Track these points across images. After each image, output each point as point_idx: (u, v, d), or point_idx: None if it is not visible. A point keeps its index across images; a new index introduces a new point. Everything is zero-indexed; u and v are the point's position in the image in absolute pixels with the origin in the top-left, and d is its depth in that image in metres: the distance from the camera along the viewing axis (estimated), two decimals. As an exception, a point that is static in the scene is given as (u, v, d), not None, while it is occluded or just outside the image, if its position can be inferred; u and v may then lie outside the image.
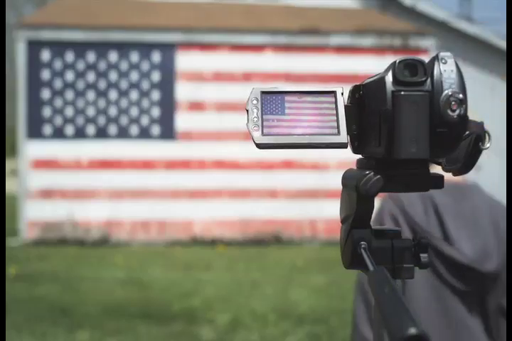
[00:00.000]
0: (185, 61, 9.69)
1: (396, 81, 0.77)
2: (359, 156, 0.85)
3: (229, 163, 9.64)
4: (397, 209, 1.79)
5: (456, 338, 1.76)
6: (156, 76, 9.61)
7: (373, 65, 9.54)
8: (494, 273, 1.75)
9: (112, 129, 9.52)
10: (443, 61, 0.77)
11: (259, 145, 0.80)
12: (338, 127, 0.81)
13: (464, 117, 0.77)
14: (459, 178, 1.73)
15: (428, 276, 1.76)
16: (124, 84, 9.57)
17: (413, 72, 0.77)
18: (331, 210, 8.26)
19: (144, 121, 9.57)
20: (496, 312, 1.76)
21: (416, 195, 1.79)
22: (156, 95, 9.62)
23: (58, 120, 9.43)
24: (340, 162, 9.44)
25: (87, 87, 9.52)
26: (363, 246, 0.81)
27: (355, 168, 0.86)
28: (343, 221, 0.85)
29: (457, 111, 0.76)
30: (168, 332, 5.01)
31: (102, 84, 9.54)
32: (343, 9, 12.53)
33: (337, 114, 0.81)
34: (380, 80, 0.78)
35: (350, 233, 0.82)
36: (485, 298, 1.77)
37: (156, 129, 9.58)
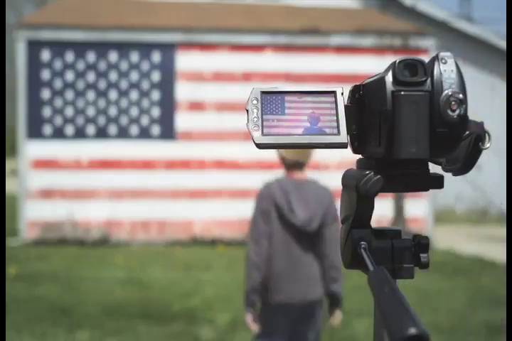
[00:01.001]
0: (185, 61, 9.69)
1: (396, 81, 0.77)
2: (359, 156, 0.85)
3: (229, 163, 9.64)
4: (268, 195, 3.09)
5: (296, 269, 3.06)
6: (156, 76, 9.61)
7: (373, 65, 9.54)
8: (316, 230, 3.05)
9: (112, 129, 9.52)
10: (443, 61, 0.77)
11: (259, 145, 0.80)
12: (338, 127, 0.81)
13: (464, 117, 0.77)
14: (302, 177, 3.13)
15: (282, 232, 3.05)
16: (124, 84, 9.57)
17: (413, 72, 0.77)
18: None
19: (144, 121, 9.56)
20: (320, 253, 3.07)
21: (278, 187, 3.08)
22: (156, 95, 9.62)
23: (58, 120, 9.43)
24: (340, 162, 9.44)
25: (87, 87, 9.52)
26: (363, 246, 0.81)
27: (355, 168, 0.86)
28: (343, 221, 0.85)
29: (457, 111, 0.76)
30: (168, 332, 5.01)
31: (102, 84, 9.54)
32: (343, 9, 12.53)
33: (337, 114, 0.81)
34: (380, 80, 0.78)
35: (350, 233, 0.82)
36: (314, 245, 3.07)
37: (156, 129, 9.58)
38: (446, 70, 0.77)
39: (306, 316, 3.10)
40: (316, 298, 3.11)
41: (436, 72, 0.77)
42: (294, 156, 3.04)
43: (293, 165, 3.08)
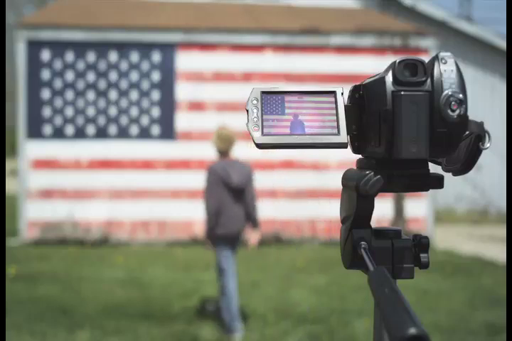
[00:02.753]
0: (185, 61, 9.69)
1: (396, 81, 0.77)
2: (359, 156, 0.85)
3: (229, 163, 9.64)
4: (213, 171, 4.74)
5: (230, 213, 4.76)
6: (156, 76, 9.61)
7: (373, 65, 9.54)
8: (243, 187, 4.76)
9: (112, 129, 9.52)
10: (443, 61, 0.77)
11: (259, 145, 0.80)
12: (338, 127, 0.81)
13: (464, 117, 0.77)
14: (230, 158, 4.87)
15: (224, 191, 4.73)
16: (124, 84, 9.57)
17: (413, 72, 0.77)
18: (331, 210, 8.26)
19: (144, 121, 9.57)
20: (250, 201, 4.84)
21: (218, 166, 4.77)
22: (156, 95, 9.62)
23: (58, 120, 9.43)
24: (340, 162, 9.44)
25: (87, 87, 9.52)
26: (363, 246, 0.81)
27: (355, 168, 0.85)
28: (343, 221, 0.85)
29: (457, 111, 0.76)
30: (168, 332, 5.01)
31: (102, 84, 9.54)
32: (343, 9, 12.54)
33: (337, 114, 0.81)
34: (380, 80, 0.78)
35: (350, 233, 0.82)
36: (243, 196, 4.80)
37: (156, 129, 9.58)
38: (446, 70, 0.77)
39: (238, 241, 4.90)
40: (241, 230, 4.87)
41: (436, 72, 0.77)
42: (223, 147, 4.78)
43: (223, 152, 4.82)
